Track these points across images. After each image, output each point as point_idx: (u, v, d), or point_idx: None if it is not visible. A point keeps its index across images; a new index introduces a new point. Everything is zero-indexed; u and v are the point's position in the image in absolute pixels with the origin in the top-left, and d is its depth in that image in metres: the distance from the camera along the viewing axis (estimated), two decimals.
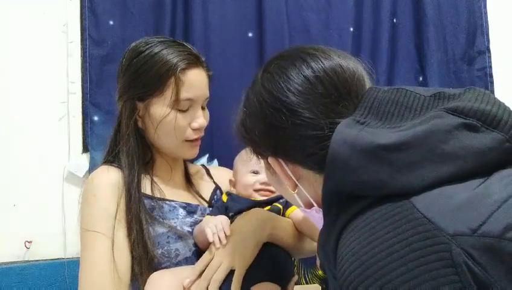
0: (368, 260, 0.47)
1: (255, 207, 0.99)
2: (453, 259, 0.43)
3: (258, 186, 1.03)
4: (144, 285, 0.90)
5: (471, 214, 0.45)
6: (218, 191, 1.14)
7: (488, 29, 1.71)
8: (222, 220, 0.90)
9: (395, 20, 1.66)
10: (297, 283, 1.47)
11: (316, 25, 1.58)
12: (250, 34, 1.54)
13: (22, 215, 1.43)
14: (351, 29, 1.62)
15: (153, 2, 1.48)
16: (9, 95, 1.45)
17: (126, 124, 1.00)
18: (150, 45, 1.01)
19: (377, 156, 0.51)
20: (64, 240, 1.44)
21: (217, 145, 1.44)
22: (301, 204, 0.68)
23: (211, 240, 0.87)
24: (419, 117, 0.53)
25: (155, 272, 0.91)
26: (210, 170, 1.22)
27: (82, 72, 1.48)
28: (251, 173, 1.04)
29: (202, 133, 1.06)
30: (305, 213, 0.71)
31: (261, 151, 0.68)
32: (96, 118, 1.46)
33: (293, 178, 0.64)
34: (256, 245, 0.89)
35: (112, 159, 1.03)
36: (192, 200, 1.07)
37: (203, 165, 1.26)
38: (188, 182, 1.13)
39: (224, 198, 1.04)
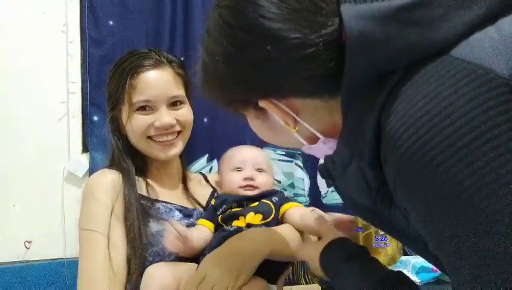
0: (423, 119, 0.44)
1: (241, 202, 1.00)
2: None
3: (243, 183, 1.03)
4: (138, 283, 0.91)
5: None
6: (215, 194, 1.16)
7: None
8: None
9: None
10: (297, 283, 1.47)
11: None
12: None
13: (22, 215, 1.43)
14: None
15: (153, 2, 1.48)
16: (9, 95, 1.45)
17: (111, 133, 1.07)
18: (120, 58, 1.08)
19: (402, 19, 0.47)
20: (64, 240, 1.44)
21: (217, 145, 1.44)
22: (304, 142, 0.63)
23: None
24: None
25: (153, 265, 0.92)
26: (208, 176, 1.24)
27: (82, 72, 1.48)
28: (234, 170, 1.05)
29: (172, 133, 1.07)
30: (310, 152, 0.65)
31: (244, 100, 0.62)
32: (96, 118, 1.46)
33: (292, 114, 0.58)
34: (256, 266, 0.88)
35: (111, 163, 1.08)
36: (188, 204, 1.09)
37: (201, 173, 1.29)
38: (185, 187, 1.15)
39: (213, 202, 1.05)
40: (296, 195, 1.48)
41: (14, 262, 1.41)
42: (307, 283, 1.49)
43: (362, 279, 0.68)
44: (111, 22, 1.47)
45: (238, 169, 1.05)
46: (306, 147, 0.64)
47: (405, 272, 1.16)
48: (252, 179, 1.03)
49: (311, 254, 0.80)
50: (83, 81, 1.48)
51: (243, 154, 1.07)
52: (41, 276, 1.39)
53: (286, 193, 1.44)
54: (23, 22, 1.48)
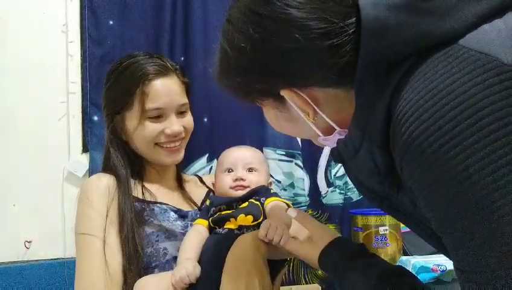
0: (428, 103, 0.46)
1: (231, 203, 1.00)
2: None
3: (233, 184, 1.04)
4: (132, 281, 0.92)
5: None
6: (211, 194, 1.17)
7: None
8: (188, 272, 0.88)
9: None
10: (297, 283, 1.47)
11: None
12: None
13: (22, 215, 1.43)
14: None
15: (153, 2, 1.48)
16: (8, 95, 1.45)
17: (108, 137, 1.09)
18: (121, 62, 1.08)
19: (415, 8, 0.49)
20: (64, 240, 1.44)
21: (217, 145, 1.44)
22: (320, 134, 0.64)
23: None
24: None
25: (142, 278, 0.92)
26: (203, 178, 1.26)
27: (82, 72, 1.48)
28: (225, 172, 1.06)
29: (182, 140, 1.09)
30: (326, 143, 0.66)
31: (265, 90, 0.62)
32: (96, 118, 1.46)
33: (312, 104, 0.59)
34: (263, 263, 0.88)
35: (105, 167, 1.10)
36: (184, 206, 1.10)
37: (196, 175, 1.31)
38: (181, 188, 1.17)
39: (208, 202, 1.06)
40: (296, 195, 1.48)
41: (14, 262, 1.41)
42: (307, 283, 1.48)
43: (364, 275, 0.69)
44: (111, 22, 1.47)
45: (229, 170, 1.06)
46: (321, 138, 0.65)
47: None
48: (242, 179, 1.03)
49: (309, 255, 0.80)
50: (83, 81, 1.47)
51: (234, 156, 1.08)
52: (41, 276, 1.39)
53: (286, 193, 1.44)
54: (23, 22, 1.47)
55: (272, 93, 0.61)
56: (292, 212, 0.88)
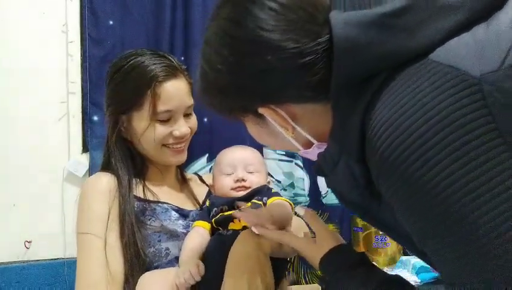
0: (400, 119, 0.47)
1: (232, 204, 1.00)
2: (486, 99, 0.43)
3: (234, 185, 1.03)
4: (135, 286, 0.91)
5: (492, 52, 0.45)
6: (211, 194, 1.17)
7: None
8: (193, 273, 0.87)
9: None
10: (297, 282, 1.47)
11: None
12: None
13: (22, 215, 1.43)
14: None
15: (153, 2, 1.48)
16: (9, 95, 1.45)
17: (111, 136, 1.07)
18: (127, 60, 1.05)
19: (385, 25, 0.50)
20: (64, 240, 1.44)
21: (217, 145, 1.44)
22: (300, 147, 0.65)
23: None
24: None
25: (146, 273, 0.92)
26: (202, 177, 1.26)
27: (82, 72, 1.48)
28: (225, 173, 1.05)
29: (186, 141, 1.09)
30: (306, 155, 0.67)
31: (244, 107, 0.63)
32: (96, 118, 1.46)
33: (290, 121, 0.61)
34: (266, 261, 0.88)
35: (106, 166, 1.09)
36: (185, 205, 1.10)
37: (195, 174, 1.31)
38: (184, 186, 1.17)
39: (208, 203, 1.06)
40: (296, 195, 1.48)
41: (14, 262, 1.41)
42: (307, 283, 1.49)
43: (362, 283, 0.69)
44: (111, 22, 1.47)
45: (229, 173, 1.05)
46: (302, 151, 0.66)
47: (405, 272, 1.14)
48: (243, 180, 1.03)
49: (312, 255, 0.81)
50: (83, 81, 1.48)
51: (233, 157, 1.07)
52: (41, 276, 1.40)
53: (286, 193, 1.44)
54: (23, 22, 1.47)
55: (250, 110, 0.63)
56: (300, 210, 0.88)
